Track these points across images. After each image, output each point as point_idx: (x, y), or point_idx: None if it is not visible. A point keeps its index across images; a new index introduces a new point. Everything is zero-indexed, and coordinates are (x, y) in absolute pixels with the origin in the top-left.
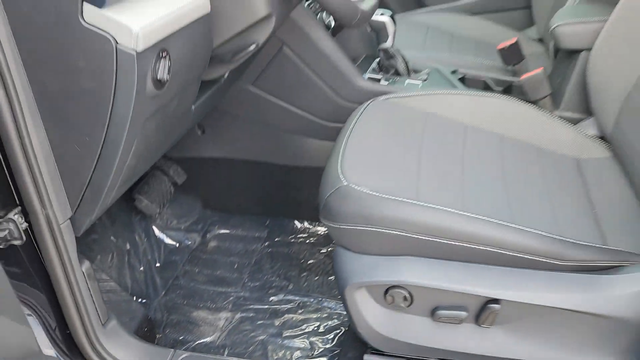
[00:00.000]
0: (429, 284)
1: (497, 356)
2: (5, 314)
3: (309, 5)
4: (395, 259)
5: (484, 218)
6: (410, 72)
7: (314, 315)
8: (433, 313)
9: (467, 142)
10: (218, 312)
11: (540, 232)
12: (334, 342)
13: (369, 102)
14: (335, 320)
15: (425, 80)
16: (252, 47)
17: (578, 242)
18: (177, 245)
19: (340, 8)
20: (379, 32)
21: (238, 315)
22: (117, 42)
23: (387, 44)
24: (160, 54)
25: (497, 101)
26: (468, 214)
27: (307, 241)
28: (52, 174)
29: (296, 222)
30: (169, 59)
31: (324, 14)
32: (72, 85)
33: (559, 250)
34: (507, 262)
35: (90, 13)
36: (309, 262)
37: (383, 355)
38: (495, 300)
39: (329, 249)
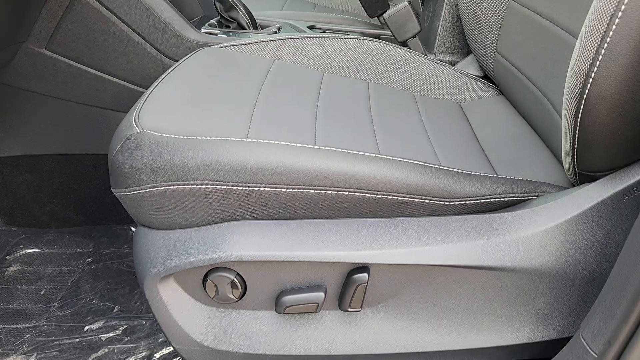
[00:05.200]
0: (265, 256)
1: (374, 353)
2: None
3: None
4: (213, 228)
5: (339, 150)
6: (257, 27)
7: (146, 342)
8: (278, 302)
9: (323, 88)
10: (4, 358)
11: (420, 163)
12: None
13: (198, 49)
14: None
15: (275, 33)
16: None
17: (472, 172)
18: None
19: None
20: None
21: (33, 359)
22: None
23: None
24: None
25: (361, 43)
26: (314, 146)
27: None
28: None
29: (132, 227)
30: None
31: None
32: None
33: (448, 184)
34: (373, 210)
35: None
36: None
37: None
38: (362, 268)
39: None
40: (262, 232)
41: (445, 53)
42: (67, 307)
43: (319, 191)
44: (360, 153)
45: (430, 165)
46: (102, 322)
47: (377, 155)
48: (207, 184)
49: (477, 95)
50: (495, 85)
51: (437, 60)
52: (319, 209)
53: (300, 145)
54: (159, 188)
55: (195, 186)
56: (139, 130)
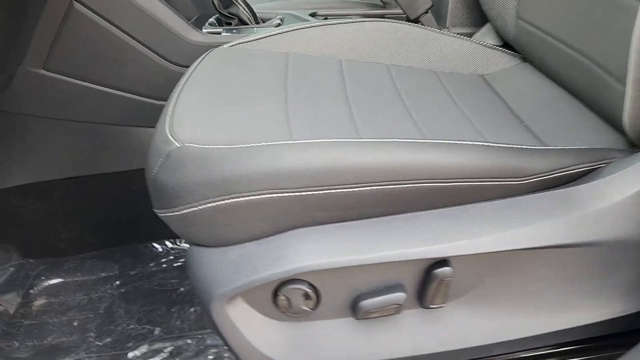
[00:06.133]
0: (336, 262)
1: (461, 348)
2: None
3: None
4: (276, 239)
5: (395, 140)
6: (258, 20)
7: None
8: (354, 308)
9: (345, 77)
10: None
11: (482, 144)
12: None
13: (208, 51)
14: None
15: (279, 25)
16: None
17: (537, 147)
18: None
19: None
20: None
21: None
22: None
23: None
24: None
25: (374, 26)
26: (370, 140)
27: (175, 264)
28: None
29: (155, 244)
30: None
31: None
32: None
33: (517, 162)
34: (444, 200)
35: None
36: (179, 290)
37: None
38: (443, 262)
39: None
40: (330, 237)
41: (459, 26)
42: (105, 335)
43: (385, 186)
44: (419, 141)
45: (494, 144)
46: (146, 347)
47: (437, 141)
48: (266, 194)
49: (500, 65)
50: (518, 53)
51: (452, 34)
52: (387, 205)
53: (353, 140)
54: (214, 204)
55: (253, 197)
56: (178, 145)
